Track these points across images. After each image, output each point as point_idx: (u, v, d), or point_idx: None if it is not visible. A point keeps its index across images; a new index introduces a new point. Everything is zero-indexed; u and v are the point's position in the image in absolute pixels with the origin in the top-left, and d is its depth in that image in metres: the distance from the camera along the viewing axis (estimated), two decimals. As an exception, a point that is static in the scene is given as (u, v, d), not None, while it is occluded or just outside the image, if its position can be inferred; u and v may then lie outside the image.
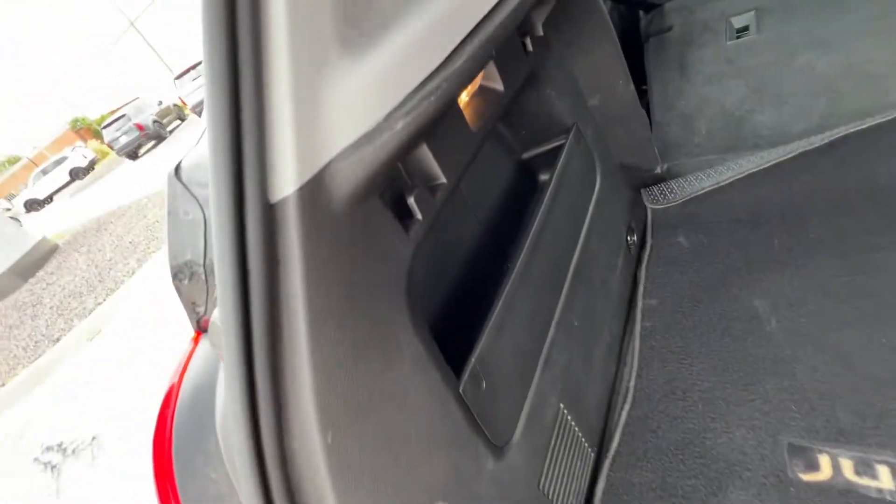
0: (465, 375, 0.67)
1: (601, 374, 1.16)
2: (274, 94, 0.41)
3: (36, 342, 5.50)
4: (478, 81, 0.87)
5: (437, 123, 0.62)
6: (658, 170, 1.46)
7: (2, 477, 3.70)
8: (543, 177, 1.26)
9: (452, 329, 0.76)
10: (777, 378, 1.05)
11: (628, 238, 1.43)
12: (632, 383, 1.20)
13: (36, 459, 3.58)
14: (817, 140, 1.28)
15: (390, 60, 0.49)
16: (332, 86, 0.44)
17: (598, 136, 1.24)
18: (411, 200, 0.60)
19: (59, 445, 3.59)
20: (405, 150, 0.51)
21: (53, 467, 3.41)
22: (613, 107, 1.23)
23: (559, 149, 1.15)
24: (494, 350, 0.74)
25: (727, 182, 1.35)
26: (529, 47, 0.92)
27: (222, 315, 0.40)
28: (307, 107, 0.42)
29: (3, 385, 4.90)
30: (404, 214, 0.61)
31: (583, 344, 1.08)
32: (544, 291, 0.95)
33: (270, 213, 0.42)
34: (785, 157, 1.28)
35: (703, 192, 1.39)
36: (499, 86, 0.84)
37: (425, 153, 0.63)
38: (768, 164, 1.29)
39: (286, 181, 0.42)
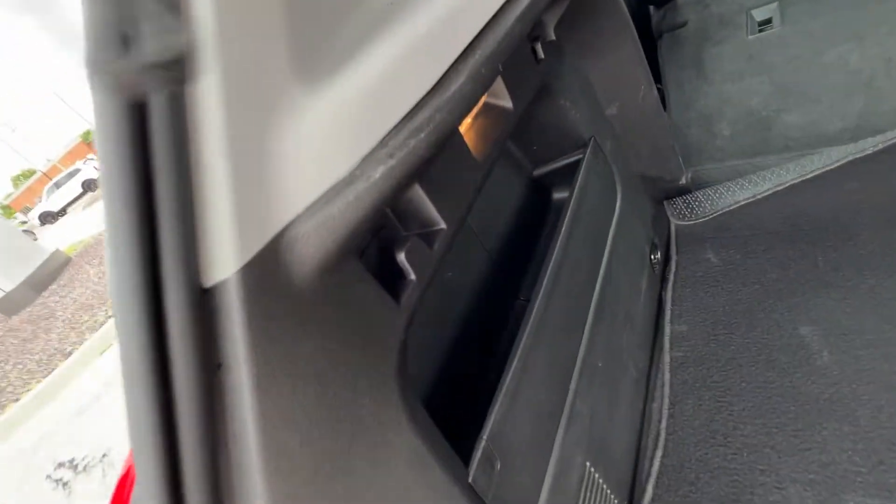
0: (476, 461, 0.55)
1: (628, 415, 1.03)
2: (201, 142, 0.30)
3: (49, 356, 5.54)
4: (482, 99, 0.75)
5: (433, 159, 0.51)
6: (682, 180, 1.33)
7: (16, 495, 3.71)
8: (558, 195, 1.14)
9: (458, 398, 0.65)
10: (835, 422, 0.91)
11: (651, 257, 1.30)
12: (663, 425, 1.07)
13: (48, 476, 3.59)
14: (869, 146, 1.14)
15: (365, 91, 0.37)
16: (286, 129, 0.33)
17: (618, 147, 1.11)
18: (402, 257, 0.48)
19: (71, 462, 3.61)
20: (388, 201, 0.40)
21: (65, 485, 3.42)
22: (634, 115, 1.10)
23: (575, 165, 1.03)
24: (510, 419, 0.63)
25: (764, 195, 1.21)
26: (541, 54, 0.81)
27: (136, 457, 0.29)
28: (249, 158, 0.31)
29: (18, 400, 4.93)
30: (394, 274, 0.49)
31: (607, 386, 0.96)
32: (565, 335, 0.83)
33: (204, 301, 0.31)
34: (832, 166, 1.14)
35: (736, 206, 1.25)
36: (507, 103, 0.72)
37: (418, 194, 0.52)
38: (812, 175, 1.15)
39: (224, 259, 0.31)
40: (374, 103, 0.38)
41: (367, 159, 0.37)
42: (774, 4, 1.90)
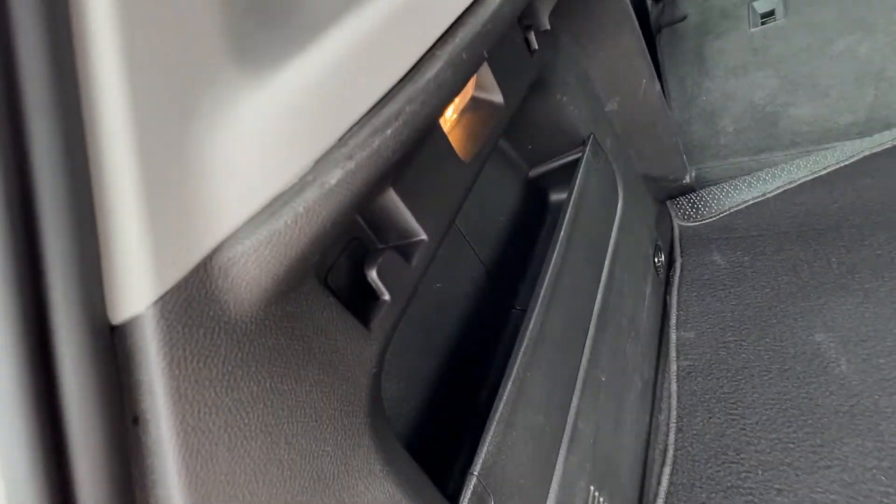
0: (465, 502, 0.49)
1: (634, 430, 0.97)
2: (99, 137, 0.24)
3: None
4: (469, 92, 0.69)
5: (408, 159, 0.44)
6: (686, 179, 1.27)
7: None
8: (555, 196, 1.08)
9: (445, 429, 0.59)
10: (857, 437, 0.85)
11: (655, 259, 1.24)
12: (671, 439, 1.00)
13: None
14: (885, 140, 1.08)
15: (321, 79, 0.31)
16: (219, 125, 0.27)
17: (619, 145, 1.05)
18: (374, 275, 0.42)
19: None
20: (350, 211, 0.34)
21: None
22: (636, 111, 1.04)
23: (573, 165, 0.97)
24: (505, 448, 0.56)
25: (772, 194, 1.15)
26: (534, 45, 0.74)
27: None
28: (167, 160, 0.25)
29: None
30: (364, 293, 0.43)
31: (612, 401, 0.89)
32: (565, 349, 0.76)
33: (113, 341, 0.25)
34: (845, 163, 1.08)
35: (743, 206, 1.19)
36: (497, 97, 0.66)
37: (393, 201, 0.45)
38: (823, 172, 1.09)
39: (136, 288, 0.25)
40: (332, 94, 0.32)
41: (322, 162, 0.31)
42: (777, -5, 1.84)
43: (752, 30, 1.83)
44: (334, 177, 0.30)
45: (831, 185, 1.11)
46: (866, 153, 1.09)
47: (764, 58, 1.73)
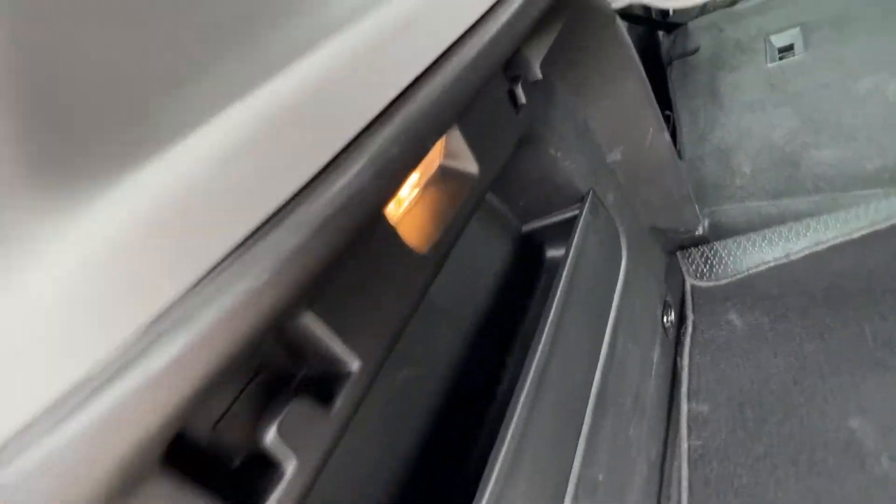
0: None
1: None
2: None
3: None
4: (435, 161, 0.59)
5: (330, 274, 0.34)
6: (699, 230, 1.16)
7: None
8: (552, 252, 0.98)
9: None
10: (904, 557, 0.72)
11: (664, 319, 1.12)
12: (681, 537, 0.88)
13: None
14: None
15: (172, 200, 0.22)
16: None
17: (622, 198, 0.95)
18: (271, 437, 0.30)
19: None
20: (213, 387, 0.24)
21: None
22: (642, 162, 0.94)
23: (570, 221, 0.87)
24: None
25: (798, 256, 1.03)
26: (522, 99, 0.65)
27: None
28: None
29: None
30: (262, 462, 0.32)
31: (611, 497, 0.77)
32: (556, 447, 0.65)
33: None
34: (881, 226, 0.96)
35: (764, 267, 1.07)
36: (470, 166, 0.56)
37: (312, 322, 0.35)
38: (858, 235, 0.97)
39: None
40: (197, 219, 0.23)
41: (152, 328, 0.21)
42: (796, 29, 1.75)
43: (770, 65, 1.73)
44: (175, 346, 0.21)
45: (863, 245, 0.99)
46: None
47: (782, 94, 1.63)
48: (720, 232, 1.36)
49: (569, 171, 0.80)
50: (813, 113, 1.50)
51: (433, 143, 0.40)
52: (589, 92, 0.82)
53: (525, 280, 0.95)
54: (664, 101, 1.95)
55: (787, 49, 1.75)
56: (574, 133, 0.82)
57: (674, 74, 1.99)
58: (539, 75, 0.70)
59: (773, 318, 1.09)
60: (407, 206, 0.53)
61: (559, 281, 0.77)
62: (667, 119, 1.98)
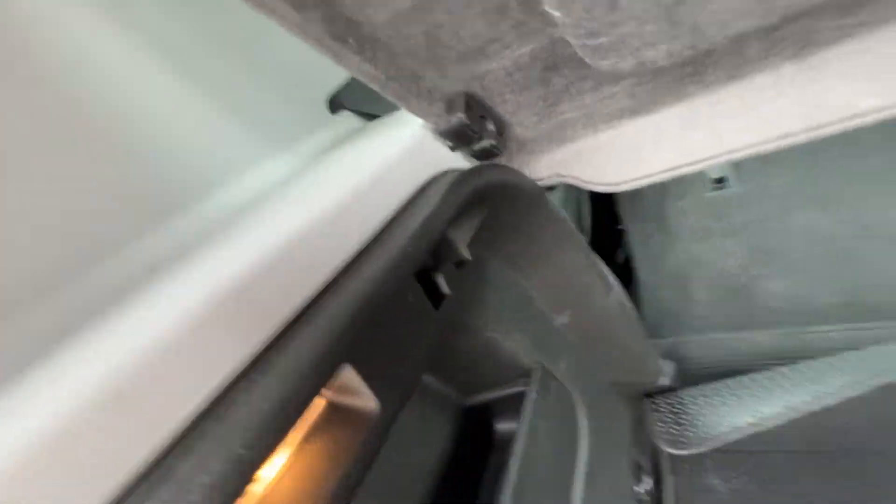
0: None
1: None
2: None
3: None
4: (320, 403, 0.49)
5: None
6: (665, 381, 1.09)
7: None
8: (502, 426, 0.87)
9: None
10: None
11: (639, 487, 0.99)
12: None
13: None
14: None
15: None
16: None
17: (576, 362, 0.88)
18: None
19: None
20: None
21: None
22: (593, 322, 0.89)
23: (520, 395, 0.78)
24: None
25: (773, 423, 0.95)
26: (445, 289, 0.59)
27: None
28: None
29: None
30: None
31: None
32: None
33: None
34: (855, 394, 0.90)
35: (736, 431, 0.98)
36: (368, 401, 0.45)
37: None
38: (834, 402, 0.90)
39: None
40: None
41: None
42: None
43: (708, 194, 1.82)
44: None
45: (844, 412, 0.92)
46: (886, 382, 0.92)
47: (728, 224, 1.68)
48: (686, 368, 1.28)
49: (511, 350, 0.74)
50: (759, 244, 1.54)
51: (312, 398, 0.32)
52: (527, 264, 0.79)
53: (476, 451, 0.83)
54: (616, 219, 1.99)
55: (721, 181, 1.85)
56: (514, 309, 0.77)
57: (624, 199, 2.06)
58: (467, 256, 0.65)
59: (756, 481, 0.98)
60: (282, 470, 0.42)
61: (511, 469, 0.66)
62: (620, 233, 2.01)
